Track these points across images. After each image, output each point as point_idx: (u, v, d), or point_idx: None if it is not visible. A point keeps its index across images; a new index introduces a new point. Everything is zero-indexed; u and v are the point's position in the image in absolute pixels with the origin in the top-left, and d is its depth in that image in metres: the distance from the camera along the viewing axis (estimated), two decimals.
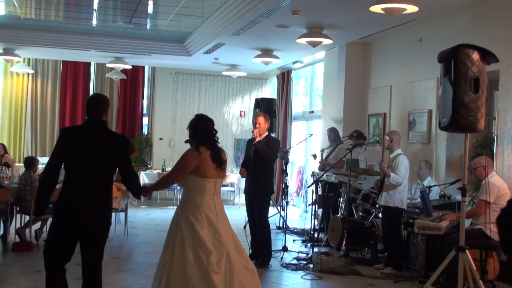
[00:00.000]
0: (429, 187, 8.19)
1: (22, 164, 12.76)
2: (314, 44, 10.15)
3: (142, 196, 5.66)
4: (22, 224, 9.15)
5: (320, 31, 10.02)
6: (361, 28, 10.26)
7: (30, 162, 9.14)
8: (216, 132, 5.25)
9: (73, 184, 4.82)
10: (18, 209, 9.15)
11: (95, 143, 4.85)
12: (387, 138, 7.97)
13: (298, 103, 16.30)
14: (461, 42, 5.72)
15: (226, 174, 14.83)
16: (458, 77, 5.49)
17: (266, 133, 8.19)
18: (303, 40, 10.11)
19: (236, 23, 10.27)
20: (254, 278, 5.02)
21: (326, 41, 10.09)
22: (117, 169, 5.06)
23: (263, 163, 8.08)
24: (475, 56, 5.44)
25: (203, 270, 4.73)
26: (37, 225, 9.30)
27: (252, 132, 8.32)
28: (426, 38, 10.04)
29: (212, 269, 4.71)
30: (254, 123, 8.26)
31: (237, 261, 4.91)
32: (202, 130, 5.16)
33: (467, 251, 5.52)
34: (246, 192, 8.41)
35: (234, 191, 15.69)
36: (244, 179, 8.65)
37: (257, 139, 8.07)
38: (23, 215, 9.30)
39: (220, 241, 4.87)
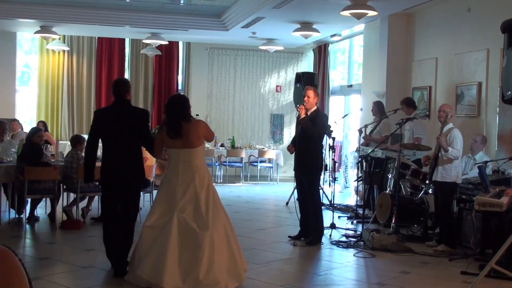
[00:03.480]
0: (486, 162, 7.96)
1: (62, 142, 12.89)
2: (359, 16, 9.93)
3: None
4: (69, 202, 9.14)
5: (365, 2, 9.78)
6: None
7: (76, 140, 9.09)
8: (184, 108, 5.91)
9: (109, 154, 6.08)
10: (64, 187, 9.14)
11: (122, 119, 6.06)
12: (447, 111, 7.70)
13: (336, 77, 16.06)
14: None
15: (264, 149, 14.90)
16: None
17: (315, 107, 8.00)
18: (347, 12, 9.89)
19: None
20: (195, 240, 5.45)
21: (371, 13, 9.86)
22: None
23: (310, 140, 7.91)
24: None
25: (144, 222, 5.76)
26: (83, 203, 9.28)
27: (297, 109, 8.10)
28: (475, 8, 9.73)
29: (144, 222, 5.71)
30: (302, 97, 8.05)
31: (183, 222, 5.49)
32: (165, 112, 5.98)
33: None
34: (295, 169, 8.22)
35: (272, 167, 15.57)
36: (286, 155, 8.51)
37: (302, 116, 7.89)
38: (70, 193, 9.28)
39: (172, 202, 5.58)
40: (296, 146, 8.08)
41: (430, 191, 8.54)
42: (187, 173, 5.68)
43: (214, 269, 5.38)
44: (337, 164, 14.96)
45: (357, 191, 10.98)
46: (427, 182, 8.38)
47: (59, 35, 14.64)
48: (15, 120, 13.53)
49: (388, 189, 9.18)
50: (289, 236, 8.26)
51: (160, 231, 5.50)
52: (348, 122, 14.74)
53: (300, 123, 7.92)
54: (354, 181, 11.09)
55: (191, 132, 5.78)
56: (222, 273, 5.45)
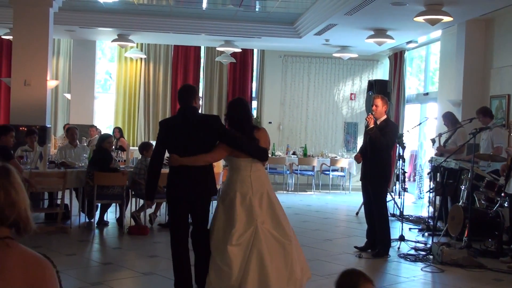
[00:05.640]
0: None
1: (136, 148, 13.14)
2: (433, 22, 9.64)
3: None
4: (137, 208, 9.28)
5: (439, 8, 9.49)
6: (483, 4, 9.63)
7: (143, 147, 9.27)
8: (249, 115, 5.70)
9: (176, 167, 5.39)
10: (133, 193, 9.30)
11: (189, 128, 5.39)
12: None
13: (412, 85, 15.65)
14: None
15: (336, 158, 14.69)
16: None
17: (384, 117, 7.76)
18: (421, 18, 9.64)
19: (350, 2, 9.92)
20: (285, 251, 5.31)
21: (446, 19, 9.57)
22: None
23: (379, 150, 7.68)
24: None
25: (223, 241, 5.25)
26: (151, 209, 9.39)
27: (366, 119, 7.90)
28: None
29: (230, 242, 5.18)
30: (371, 106, 7.85)
31: (268, 233, 5.28)
32: (233, 117, 5.60)
33: None
34: (362, 178, 8.03)
35: (344, 176, 15.33)
36: (358, 164, 8.30)
37: (370, 126, 7.67)
38: (138, 199, 9.43)
39: (252, 214, 5.29)
40: (365, 155, 7.88)
41: (506, 204, 8.13)
42: (258, 184, 5.44)
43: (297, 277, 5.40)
44: (409, 174, 14.62)
45: (430, 202, 10.60)
46: (502, 194, 8.00)
47: (135, 43, 14.97)
48: (92, 126, 13.98)
49: (461, 201, 8.81)
50: (355, 247, 8.06)
51: (248, 247, 5.22)
52: (424, 131, 14.32)
53: (368, 133, 7.73)
54: (427, 192, 10.71)
55: (261, 141, 5.53)
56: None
